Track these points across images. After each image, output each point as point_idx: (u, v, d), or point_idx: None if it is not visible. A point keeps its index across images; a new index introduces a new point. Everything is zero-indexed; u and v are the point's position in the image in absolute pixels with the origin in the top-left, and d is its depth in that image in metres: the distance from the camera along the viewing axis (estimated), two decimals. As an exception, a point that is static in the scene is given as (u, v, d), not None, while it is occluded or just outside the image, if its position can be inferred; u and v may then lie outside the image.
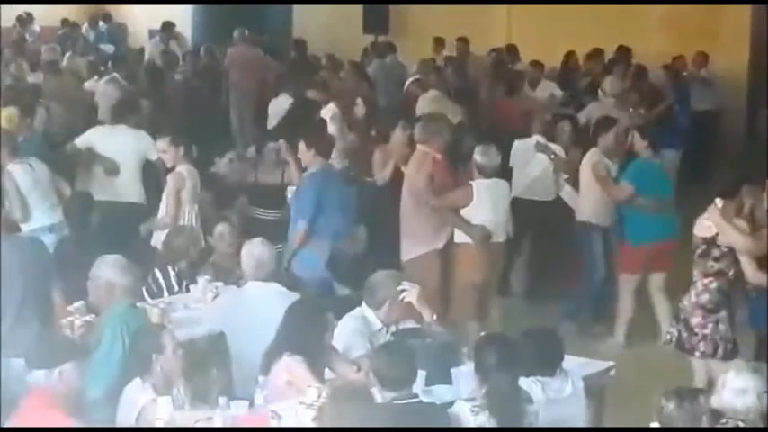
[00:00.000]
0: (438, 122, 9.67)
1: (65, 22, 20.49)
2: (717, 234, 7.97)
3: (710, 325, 7.96)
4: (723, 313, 7.97)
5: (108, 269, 6.82)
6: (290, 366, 6.27)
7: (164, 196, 9.51)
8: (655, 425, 5.57)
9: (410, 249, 9.20)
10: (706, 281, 7.98)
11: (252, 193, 10.41)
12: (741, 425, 5.68)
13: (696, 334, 8.00)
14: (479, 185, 9.08)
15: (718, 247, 7.95)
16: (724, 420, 5.70)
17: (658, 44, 16.56)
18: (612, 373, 7.22)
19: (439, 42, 18.10)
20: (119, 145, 10.44)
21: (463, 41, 17.53)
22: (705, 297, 7.97)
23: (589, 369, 7.00)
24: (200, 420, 5.86)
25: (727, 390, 5.77)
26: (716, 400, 5.77)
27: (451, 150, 9.63)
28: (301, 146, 9.46)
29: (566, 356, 6.47)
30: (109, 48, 19.56)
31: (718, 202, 8.05)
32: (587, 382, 6.62)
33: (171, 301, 8.07)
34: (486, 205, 9.07)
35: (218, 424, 5.83)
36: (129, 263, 6.93)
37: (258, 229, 9.08)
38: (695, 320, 8.00)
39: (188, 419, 5.84)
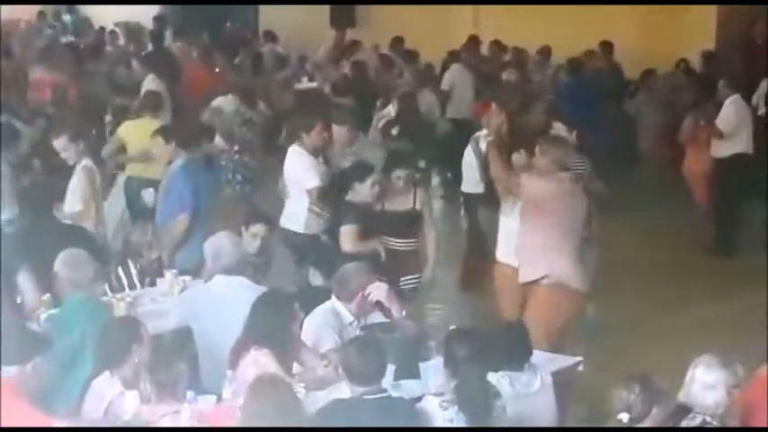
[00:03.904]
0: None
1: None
2: None
3: None
4: None
5: (59, 263, 6.78)
6: (258, 360, 6.23)
7: (75, 191, 9.08)
8: (624, 415, 5.57)
9: None
10: None
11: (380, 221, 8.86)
12: (709, 419, 5.68)
13: None
14: None
15: None
16: (692, 415, 5.68)
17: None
18: (581, 368, 7.22)
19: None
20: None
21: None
22: None
23: (558, 364, 7.02)
24: (166, 414, 5.82)
25: (696, 384, 5.75)
26: (684, 395, 5.75)
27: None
28: (159, 140, 9.36)
29: (534, 351, 6.48)
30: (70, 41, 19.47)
31: None
32: (556, 377, 6.63)
33: (137, 294, 8.01)
34: None
35: (185, 418, 5.80)
36: (84, 257, 6.82)
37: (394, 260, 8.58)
38: None
39: (155, 413, 5.80)
